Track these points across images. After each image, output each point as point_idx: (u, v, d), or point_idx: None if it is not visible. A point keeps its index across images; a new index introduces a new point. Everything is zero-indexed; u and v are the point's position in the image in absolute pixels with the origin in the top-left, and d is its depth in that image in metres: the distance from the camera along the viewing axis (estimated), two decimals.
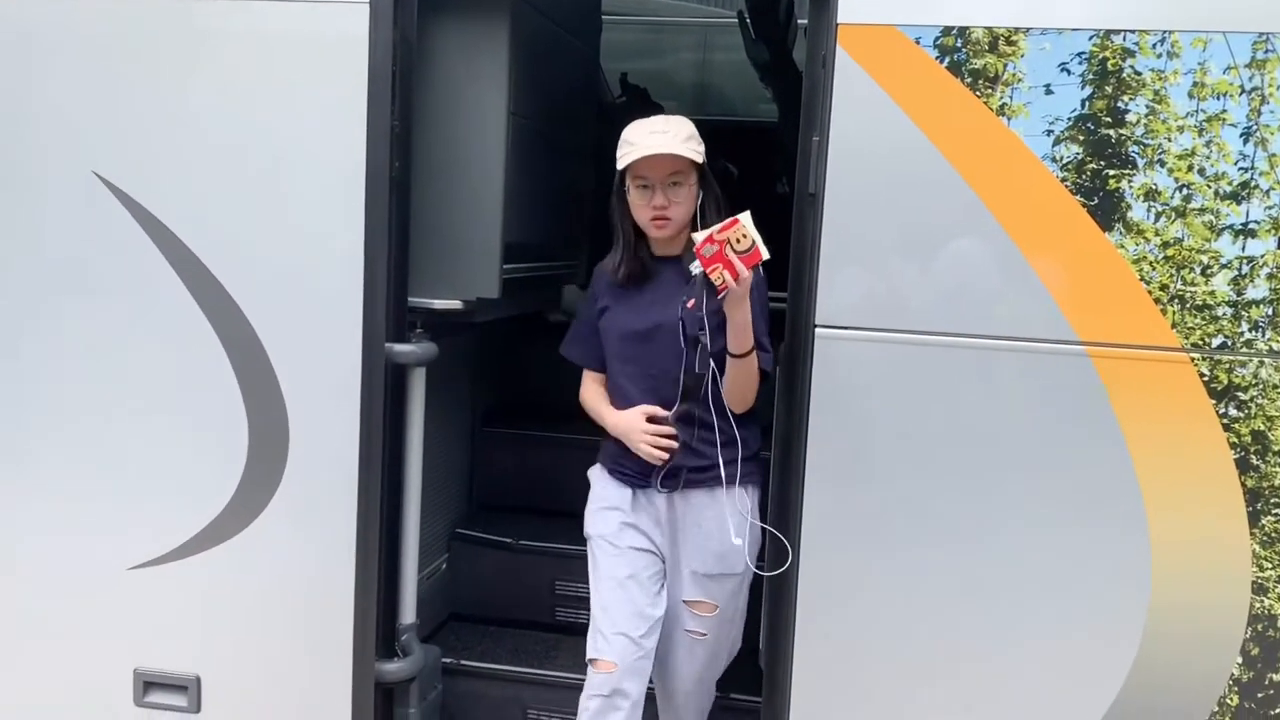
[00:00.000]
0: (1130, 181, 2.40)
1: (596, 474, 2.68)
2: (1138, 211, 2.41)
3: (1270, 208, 2.37)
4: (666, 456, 2.47)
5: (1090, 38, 2.38)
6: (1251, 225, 2.38)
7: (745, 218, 2.18)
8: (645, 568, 2.54)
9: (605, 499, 2.60)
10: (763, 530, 2.56)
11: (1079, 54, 2.39)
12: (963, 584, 2.53)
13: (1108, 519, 2.46)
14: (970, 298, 2.45)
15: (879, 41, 2.43)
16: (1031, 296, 2.42)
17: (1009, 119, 2.42)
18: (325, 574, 2.70)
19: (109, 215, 2.73)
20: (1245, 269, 2.39)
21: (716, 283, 2.18)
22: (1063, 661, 2.52)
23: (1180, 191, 2.40)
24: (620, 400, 2.56)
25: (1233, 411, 2.41)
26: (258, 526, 2.76)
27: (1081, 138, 2.41)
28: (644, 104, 4.99)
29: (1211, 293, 2.40)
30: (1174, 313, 2.41)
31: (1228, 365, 2.40)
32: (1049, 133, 2.41)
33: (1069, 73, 2.40)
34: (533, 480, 3.80)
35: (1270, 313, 2.39)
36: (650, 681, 2.60)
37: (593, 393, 2.65)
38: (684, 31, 5.96)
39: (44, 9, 2.74)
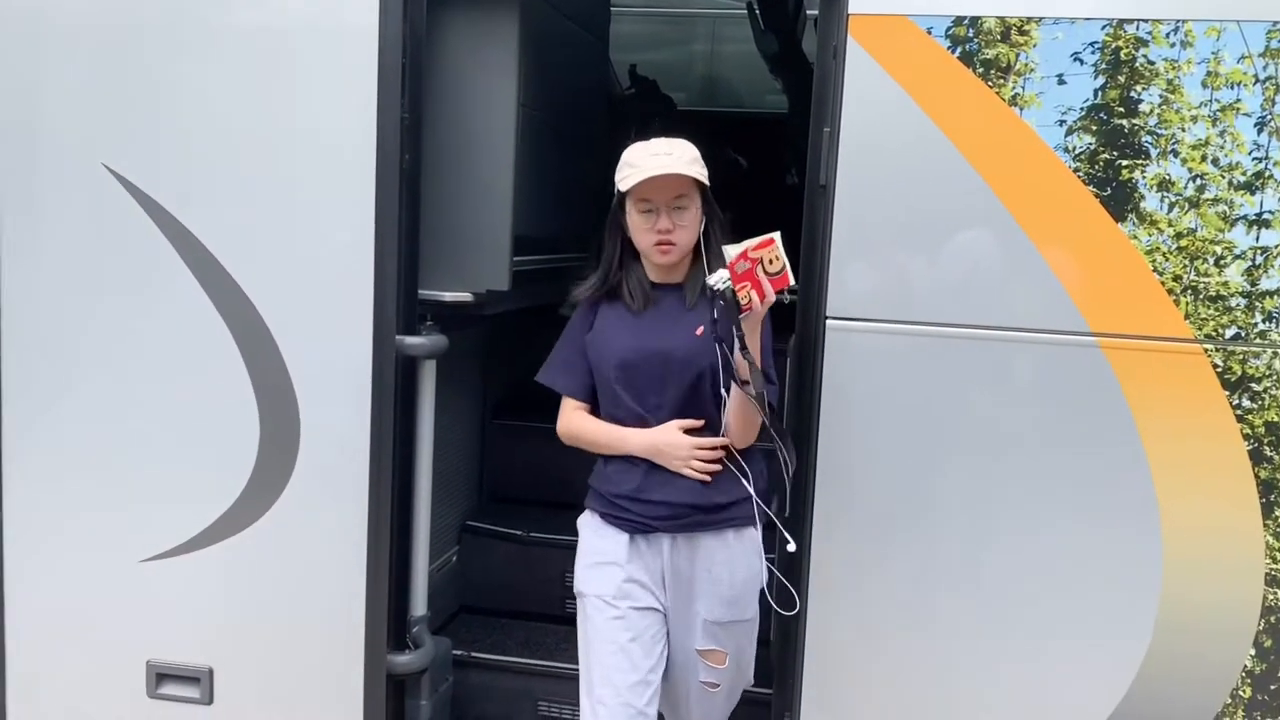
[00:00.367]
0: (1143, 172, 2.39)
1: (587, 522, 2.45)
2: (1151, 202, 2.39)
3: None
4: (711, 476, 2.30)
5: (1103, 27, 2.37)
6: (1265, 216, 2.37)
7: (778, 238, 2.09)
8: (648, 628, 2.34)
9: (600, 552, 2.39)
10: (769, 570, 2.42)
11: (1092, 44, 2.37)
12: (973, 574, 2.53)
13: (1120, 511, 2.45)
14: (982, 289, 2.44)
15: (890, 32, 2.42)
16: (1043, 288, 2.41)
17: (1021, 109, 2.40)
18: (336, 566, 2.70)
19: (119, 208, 2.73)
20: (1259, 260, 2.38)
21: (742, 301, 2.09)
22: (1075, 654, 2.51)
23: (1194, 182, 2.39)
24: None
25: (1246, 403, 2.40)
26: (269, 519, 2.76)
27: (1094, 128, 2.39)
28: (653, 96, 4.99)
29: (1225, 284, 2.39)
30: (1187, 304, 2.40)
31: (1241, 356, 2.39)
32: (1061, 123, 2.40)
33: (1081, 63, 2.39)
34: (543, 472, 3.80)
35: None
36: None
37: (588, 421, 2.43)
38: (693, 23, 5.94)
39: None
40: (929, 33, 2.41)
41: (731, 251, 2.08)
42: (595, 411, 2.44)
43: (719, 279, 2.10)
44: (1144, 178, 2.38)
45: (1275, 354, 2.38)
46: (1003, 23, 2.38)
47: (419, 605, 2.85)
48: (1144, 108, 2.37)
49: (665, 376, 2.32)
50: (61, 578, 2.88)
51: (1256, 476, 2.41)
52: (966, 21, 2.39)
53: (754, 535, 2.36)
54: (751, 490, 2.31)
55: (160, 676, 2.87)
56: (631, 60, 5.02)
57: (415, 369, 2.75)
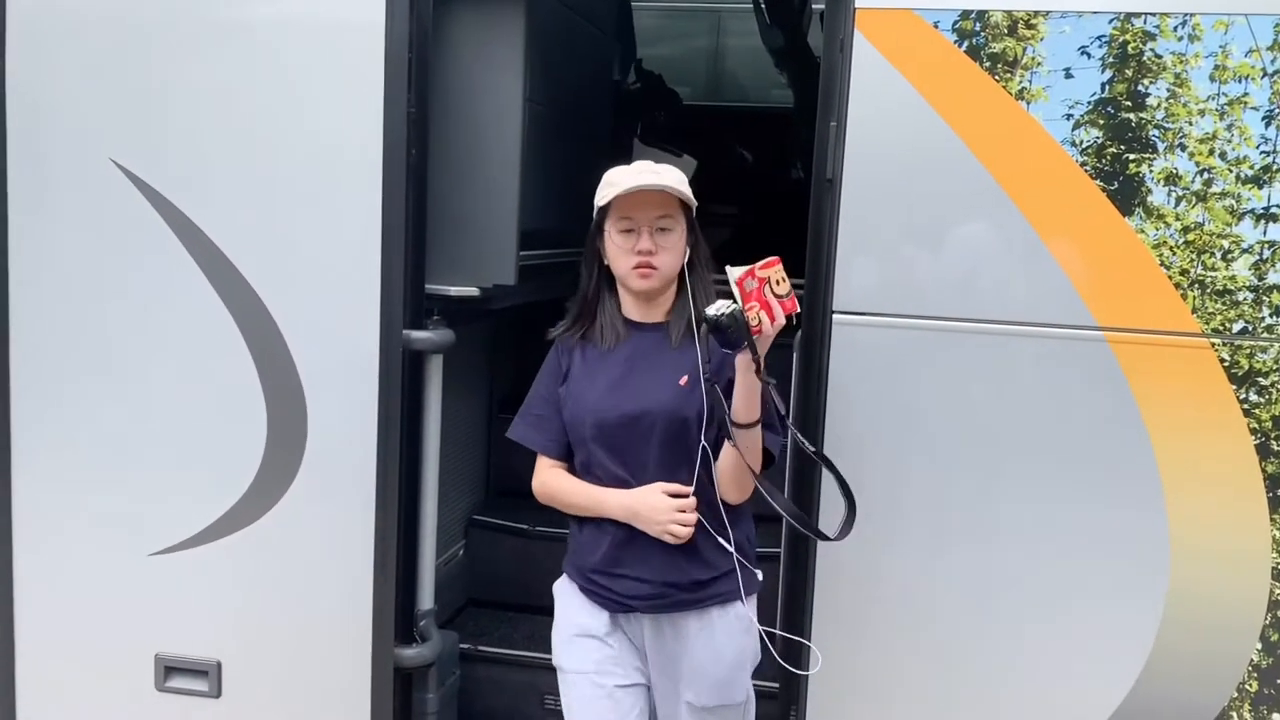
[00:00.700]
0: (1150, 166, 2.38)
1: (565, 590, 2.31)
2: (1158, 196, 2.39)
3: None
4: (688, 536, 2.10)
5: (1110, 21, 2.36)
6: (1274, 210, 2.36)
7: (782, 263, 1.98)
8: (633, 706, 2.21)
9: (580, 625, 2.23)
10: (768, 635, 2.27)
11: (1099, 37, 2.37)
12: (980, 569, 2.53)
13: (1127, 506, 2.45)
14: (987, 284, 2.44)
15: (897, 25, 2.42)
16: (1050, 282, 2.41)
17: (1028, 103, 2.40)
18: (344, 560, 2.71)
19: (127, 204, 2.73)
20: (1267, 253, 2.38)
21: (753, 323, 1.92)
22: (1080, 649, 2.51)
23: (1201, 176, 2.38)
24: None
25: (1253, 397, 2.40)
26: (277, 513, 2.77)
27: (1101, 122, 2.39)
28: (659, 90, 4.99)
29: (1232, 278, 2.39)
30: (1194, 298, 2.39)
31: (1248, 350, 2.38)
32: (1068, 117, 2.40)
33: (1089, 56, 2.39)
34: None
35: None
36: None
37: (564, 479, 2.24)
38: (698, 17, 5.94)
39: None
40: (935, 26, 2.40)
41: (736, 271, 1.92)
42: (574, 466, 2.27)
43: (719, 307, 1.91)
44: (1151, 172, 2.38)
45: None
46: (1010, 16, 2.37)
47: (426, 599, 2.85)
48: (1151, 101, 2.37)
49: (648, 435, 2.13)
50: (70, 571, 2.89)
51: (1264, 471, 2.41)
52: (973, 15, 2.39)
53: (741, 611, 2.18)
54: (734, 554, 2.13)
55: (169, 669, 2.88)
56: (637, 55, 5.02)
57: (422, 363, 2.75)
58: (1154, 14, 2.34)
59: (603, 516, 2.17)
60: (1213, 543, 2.44)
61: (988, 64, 2.40)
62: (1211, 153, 2.37)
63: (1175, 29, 2.34)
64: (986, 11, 2.39)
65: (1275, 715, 2.47)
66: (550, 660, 2.33)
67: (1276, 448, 2.41)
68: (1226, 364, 2.39)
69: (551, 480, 2.26)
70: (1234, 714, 2.49)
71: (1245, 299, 2.39)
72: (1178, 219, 2.38)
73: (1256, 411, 2.40)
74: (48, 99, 2.78)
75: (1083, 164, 2.40)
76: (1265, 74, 2.34)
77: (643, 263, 2.12)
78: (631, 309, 2.22)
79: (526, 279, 3.02)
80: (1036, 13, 2.38)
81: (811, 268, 2.52)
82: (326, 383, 2.70)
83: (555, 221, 3.30)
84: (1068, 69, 2.38)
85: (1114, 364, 2.40)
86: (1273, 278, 2.38)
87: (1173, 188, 2.38)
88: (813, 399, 2.54)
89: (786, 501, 2.13)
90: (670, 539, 2.09)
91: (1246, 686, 2.48)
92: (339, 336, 2.67)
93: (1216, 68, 2.35)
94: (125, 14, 2.72)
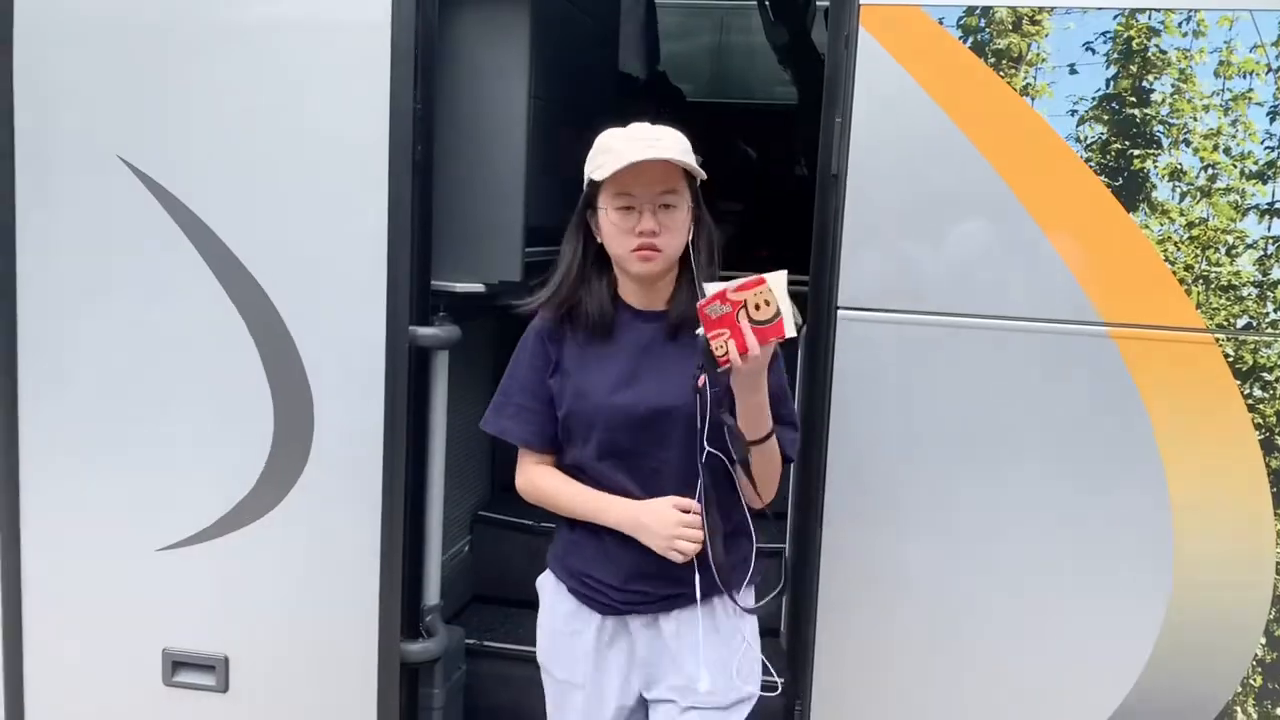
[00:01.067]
0: (1155, 161, 2.39)
1: (551, 588, 2.13)
2: (1162, 192, 2.39)
3: None
4: (694, 553, 1.91)
5: (1115, 17, 2.37)
6: (1278, 205, 2.37)
7: (776, 280, 1.70)
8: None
9: (568, 625, 2.08)
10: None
11: (1103, 33, 2.37)
12: (985, 564, 2.53)
13: (1131, 501, 2.45)
14: (993, 280, 2.45)
15: (902, 22, 2.42)
16: (1054, 278, 2.41)
17: (1033, 99, 2.40)
18: (350, 555, 2.72)
19: (134, 201, 2.74)
20: (1271, 249, 2.38)
21: (717, 354, 1.70)
22: (1085, 645, 2.52)
23: (1205, 171, 2.38)
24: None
25: (1258, 392, 2.40)
26: (283, 509, 2.78)
27: (1106, 118, 2.39)
28: (664, 87, 4.99)
29: (1237, 273, 2.39)
30: (1198, 293, 2.40)
31: (1253, 346, 2.39)
32: (1073, 113, 2.40)
33: (1093, 52, 2.39)
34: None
35: None
36: None
37: (557, 479, 2.04)
38: (702, 14, 5.94)
39: None
40: (940, 23, 2.41)
41: (710, 289, 1.70)
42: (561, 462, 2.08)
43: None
44: (1155, 167, 2.38)
45: None
46: (1014, 13, 2.38)
47: (432, 595, 2.86)
48: (1156, 97, 2.37)
49: (664, 438, 1.93)
50: (78, 567, 2.90)
51: (1268, 466, 2.41)
52: (978, 11, 2.39)
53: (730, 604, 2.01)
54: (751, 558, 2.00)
55: (176, 664, 2.89)
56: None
57: (428, 359, 2.76)
58: (1158, 10, 2.34)
59: (601, 525, 1.98)
60: (1216, 537, 2.44)
61: (992, 60, 2.40)
62: (1216, 148, 2.37)
63: (1180, 25, 2.34)
64: (991, 8, 2.39)
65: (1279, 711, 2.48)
66: None
67: None
68: (1231, 359, 2.40)
69: (542, 479, 2.05)
70: (1238, 709, 2.50)
71: (1250, 294, 2.39)
72: (1182, 214, 2.39)
73: (1260, 407, 2.40)
74: (55, 96, 2.78)
75: (1087, 160, 2.40)
76: (1270, 69, 2.34)
77: (645, 245, 1.87)
78: (631, 294, 1.99)
79: (532, 274, 3.02)
80: (1041, 9, 2.38)
81: (817, 263, 2.53)
82: (332, 379, 2.71)
83: (561, 217, 3.30)
84: (1072, 65, 2.38)
85: (1118, 359, 2.40)
86: (1277, 273, 2.38)
87: (1177, 183, 2.38)
88: (818, 395, 2.54)
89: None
90: (676, 556, 1.89)
91: (1251, 681, 2.49)
92: (346, 332, 2.67)
93: (1221, 63, 2.35)
94: (130, 14, 2.72)
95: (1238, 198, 2.37)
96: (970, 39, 2.40)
